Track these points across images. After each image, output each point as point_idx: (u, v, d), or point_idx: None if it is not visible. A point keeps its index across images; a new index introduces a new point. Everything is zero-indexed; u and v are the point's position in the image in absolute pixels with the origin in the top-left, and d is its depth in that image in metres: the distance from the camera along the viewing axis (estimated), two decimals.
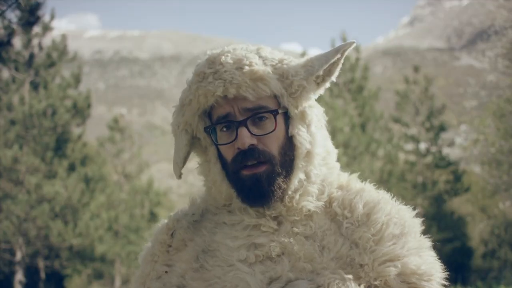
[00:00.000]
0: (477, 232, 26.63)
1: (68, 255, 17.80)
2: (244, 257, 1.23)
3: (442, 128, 22.34)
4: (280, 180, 1.25)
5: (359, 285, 1.17)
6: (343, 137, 17.60)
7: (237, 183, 1.27)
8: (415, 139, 22.35)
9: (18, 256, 15.70)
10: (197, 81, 1.28)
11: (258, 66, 1.25)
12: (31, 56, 16.19)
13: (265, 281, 1.19)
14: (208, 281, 1.24)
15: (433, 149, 22.52)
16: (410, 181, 21.79)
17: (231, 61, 1.25)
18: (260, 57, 1.29)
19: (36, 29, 15.83)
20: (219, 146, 1.29)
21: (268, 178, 1.24)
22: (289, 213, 1.28)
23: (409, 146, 22.71)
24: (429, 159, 22.40)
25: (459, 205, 26.25)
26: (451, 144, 22.93)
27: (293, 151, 1.28)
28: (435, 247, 1.30)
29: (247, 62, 1.24)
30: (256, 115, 1.24)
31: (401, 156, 22.91)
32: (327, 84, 1.33)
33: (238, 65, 1.24)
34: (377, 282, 1.19)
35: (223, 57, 1.27)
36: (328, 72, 1.31)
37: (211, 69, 1.26)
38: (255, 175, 1.23)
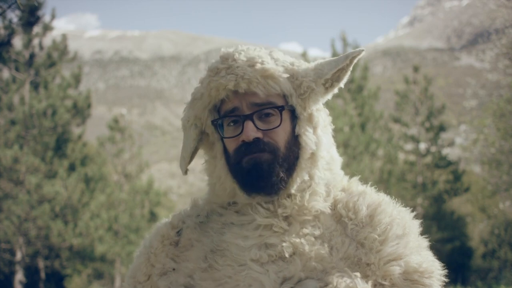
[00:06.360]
0: (477, 232, 26.64)
1: (68, 255, 17.80)
2: (257, 256, 1.24)
3: (442, 128, 22.32)
4: (280, 170, 1.27)
5: (367, 282, 1.21)
6: (343, 137, 17.59)
7: (238, 172, 1.29)
8: (415, 139, 22.34)
9: (18, 256, 15.69)
10: (210, 76, 1.32)
11: (270, 65, 1.29)
12: (32, 56, 16.18)
13: (278, 281, 1.21)
14: (218, 281, 1.25)
15: (433, 149, 22.50)
16: (410, 181, 21.79)
17: (244, 58, 1.30)
18: (272, 58, 1.33)
19: (37, 29, 15.83)
20: (224, 139, 1.32)
21: (268, 165, 1.26)
22: (299, 213, 1.30)
23: (409, 146, 22.69)
24: (429, 159, 22.38)
25: (459, 205, 26.24)
26: (451, 144, 22.91)
27: (299, 149, 1.31)
28: (435, 247, 1.33)
29: (260, 61, 1.30)
30: (263, 110, 1.28)
31: (401, 156, 22.90)
32: (335, 90, 1.37)
33: (251, 62, 1.29)
34: (383, 281, 1.22)
35: (236, 54, 1.32)
36: (337, 78, 1.35)
37: (224, 65, 1.31)
38: (255, 159, 1.26)
